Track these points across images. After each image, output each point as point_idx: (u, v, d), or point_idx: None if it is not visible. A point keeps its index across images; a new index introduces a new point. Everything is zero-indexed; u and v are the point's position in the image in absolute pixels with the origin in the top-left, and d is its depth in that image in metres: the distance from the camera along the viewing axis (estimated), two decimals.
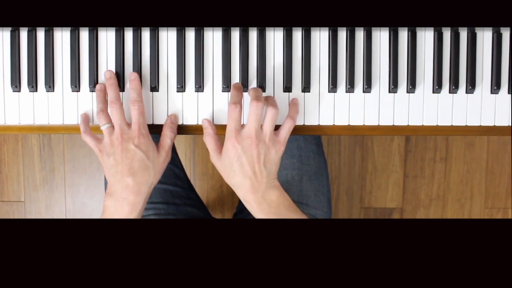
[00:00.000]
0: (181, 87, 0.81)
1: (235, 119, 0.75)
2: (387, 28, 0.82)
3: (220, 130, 0.82)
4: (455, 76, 0.82)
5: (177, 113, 0.82)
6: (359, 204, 1.62)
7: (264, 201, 0.75)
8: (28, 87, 0.81)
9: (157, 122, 0.82)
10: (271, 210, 0.75)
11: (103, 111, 0.77)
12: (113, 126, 0.76)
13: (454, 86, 0.82)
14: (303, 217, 0.77)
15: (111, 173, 0.76)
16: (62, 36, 0.81)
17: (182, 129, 0.82)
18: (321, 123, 0.82)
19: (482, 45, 0.83)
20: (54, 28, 0.81)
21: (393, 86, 0.82)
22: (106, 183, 1.01)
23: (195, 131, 0.83)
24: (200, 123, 0.82)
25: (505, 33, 0.82)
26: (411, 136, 1.60)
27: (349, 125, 0.83)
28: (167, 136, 0.79)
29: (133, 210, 0.76)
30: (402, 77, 0.82)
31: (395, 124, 0.83)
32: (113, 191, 0.76)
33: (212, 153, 0.78)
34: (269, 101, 0.77)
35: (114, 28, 0.81)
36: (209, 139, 0.78)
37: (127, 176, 0.75)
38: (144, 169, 0.75)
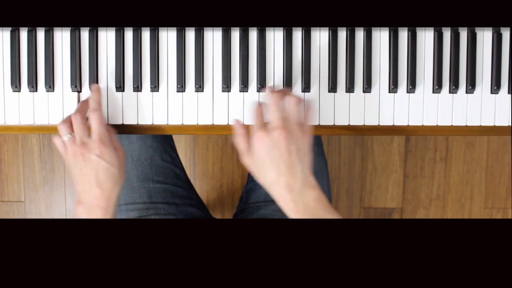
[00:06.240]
0: (181, 87, 0.81)
1: (260, 114, 0.74)
2: (387, 28, 0.82)
3: (221, 130, 0.82)
4: (455, 76, 0.82)
5: (177, 114, 0.82)
6: (359, 204, 1.62)
7: (301, 201, 0.70)
8: (28, 87, 0.81)
9: (156, 122, 0.82)
10: (307, 211, 0.70)
11: (65, 121, 0.77)
12: (74, 137, 0.76)
13: (454, 86, 0.82)
14: (338, 217, 0.72)
15: (78, 183, 0.75)
16: (62, 36, 0.81)
17: (182, 129, 0.82)
18: (321, 123, 0.82)
19: (482, 45, 0.83)
20: (54, 28, 0.81)
21: (393, 86, 0.82)
22: None
23: (195, 131, 0.83)
24: (200, 123, 0.82)
25: (505, 33, 0.82)
26: (411, 136, 1.60)
27: (349, 125, 0.83)
28: (112, 136, 0.78)
29: (106, 213, 0.75)
30: (402, 77, 0.82)
31: (395, 124, 0.83)
32: (83, 199, 0.75)
33: (243, 153, 0.75)
34: (287, 91, 0.77)
35: (114, 28, 0.81)
36: (240, 138, 0.75)
37: (95, 186, 0.74)
38: (111, 176, 0.75)
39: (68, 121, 0.77)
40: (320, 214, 0.70)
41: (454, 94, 0.83)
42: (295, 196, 0.70)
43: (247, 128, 0.76)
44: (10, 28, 0.81)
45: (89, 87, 0.81)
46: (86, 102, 0.79)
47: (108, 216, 0.75)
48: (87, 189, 0.74)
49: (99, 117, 0.76)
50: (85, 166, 0.74)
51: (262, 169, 0.72)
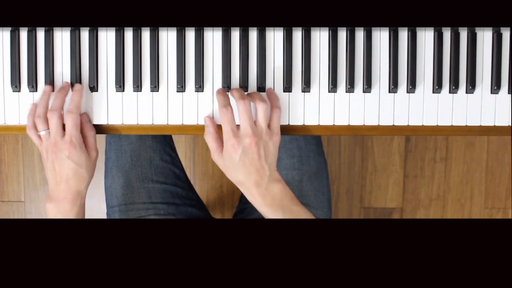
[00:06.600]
0: (181, 87, 0.81)
1: (229, 120, 0.76)
2: (387, 28, 0.82)
3: (221, 130, 0.82)
4: (455, 76, 0.82)
5: (177, 114, 0.82)
6: (359, 204, 1.62)
7: (268, 194, 0.77)
8: (28, 87, 0.81)
9: (157, 122, 0.82)
10: (274, 202, 0.77)
11: (41, 117, 0.78)
12: (49, 133, 0.78)
13: (454, 86, 0.82)
14: (304, 209, 0.78)
15: (49, 176, 0.79)
16: (62, 36, 0.81)
17: (182, 129, 0.82)
18: (321, 123, 0.82)
19: (482, 45, 0.83)
20: (54, 28, 0.81)
21: (393, 86, 0.82)
22: (105, 185, 1.01)
23: (195, 131, 0.83)
24: (200, 123, 0.82)
25: (505, 33, 0.82)
26: (411, 136, 1.60)
27: (349, 125, 0.83)
28: (90, 136, 0.80)
29: (73, 206, 0.79)
30: (402, 77, 0.82)
31: (395, 124, 0.83)
32: (53, 193, 0.79)
33: (213, 151, 0.78)
34: (256, 96, 0.78)
35: (114, 28, 0.81)
36: (210, 137, 0.79)
37: (63, 182, 0.78)
38: (78, 175, 0.78)
39: (44, 117, 0.78)
40: (286, 205, 0.77)
41: (454, 94, 0.83)
42: (262, 190, 0.77)
43: (217, 126, 0.80)
44: (10, 28, 0.81)
45: (89, 87, 0.81)
46: (61, 95, 0.79)
47: (75, 208, 0.79)
48: (56, 183, 0.78)
49: (74, 119, 0.77)
50: (56, 162, 0.78)
51: (233, 170, 0.77)
